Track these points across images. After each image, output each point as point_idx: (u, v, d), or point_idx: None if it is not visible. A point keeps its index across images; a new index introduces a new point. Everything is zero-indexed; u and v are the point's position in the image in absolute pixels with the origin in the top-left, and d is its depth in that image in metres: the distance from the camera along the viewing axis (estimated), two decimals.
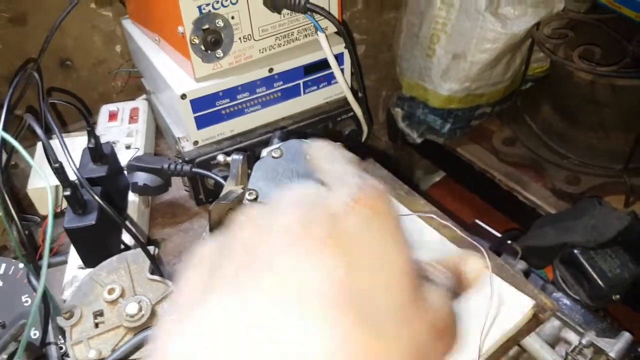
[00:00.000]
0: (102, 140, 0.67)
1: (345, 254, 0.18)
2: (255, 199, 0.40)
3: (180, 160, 0.61)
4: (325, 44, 0.60)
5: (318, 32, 0.59)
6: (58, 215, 0.62)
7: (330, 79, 0.66)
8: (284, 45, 0.62)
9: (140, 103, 0.76)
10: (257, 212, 0.21)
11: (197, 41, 0.56)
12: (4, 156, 0.62)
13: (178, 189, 0.68)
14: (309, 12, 0.56)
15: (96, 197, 0.46)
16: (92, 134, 0.52)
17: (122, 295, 0.40)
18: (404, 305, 0.18)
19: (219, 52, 0.58)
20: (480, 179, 1.05)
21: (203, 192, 0.65)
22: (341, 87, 0.65)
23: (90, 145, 0.52)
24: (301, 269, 0.17)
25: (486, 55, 0.93)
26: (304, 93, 0.65)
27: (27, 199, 0.64)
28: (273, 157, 0.42)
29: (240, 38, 0.58)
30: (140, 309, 0.38)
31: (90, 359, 0.36)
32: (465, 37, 0.93)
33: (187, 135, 0.63)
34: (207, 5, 0.54)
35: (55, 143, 0.49)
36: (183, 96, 0.58)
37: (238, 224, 0.20)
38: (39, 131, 0.42)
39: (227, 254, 0.19)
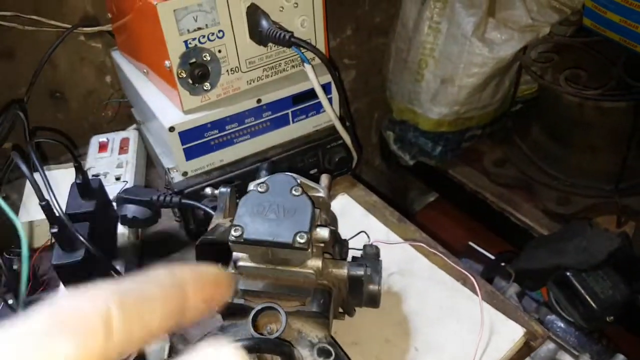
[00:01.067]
0: (92, 172, 0.68)
1: None
2: (241, 235, 0.40)
3: (170, 192, 0.61)
4: (312, 75, 0.61)
5: (304, 64, 0.60)
6: (49, 248, 0.62)
7: (319, 108, 0.67)
8: (271, 76, 0.63)
9: (130, 133, 0.76)
10: None
11: (184, 75, 0.56)
12: None
13: (169, 219, 0.68)
14: (294, 46, 0.57)
15: (81, 237, 0.46)
16: (79, 170, 0.52)
17: None
18: None
19: (207, 85, 0.58)
20: (472, 200, 1.05)
21: (194, 222, 0.65)
22: (329, 115, 0.66)
23: (78, 181, 0.52)
24: None
25: (474, 80, 0.94)
26: (293, 122, 0.66)
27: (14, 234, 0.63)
28: (259, 191, 0.43)
29: (227, 70, 0.59)
30: None
31: None
32: (453, 62, 0.94)
33: (176, 166, 0.63)
34: (194, 39, 0.55)
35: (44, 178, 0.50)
36: (171, 129, 0.58)
37: None
38: (25, 170, 0.42)
39: None
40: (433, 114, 0.99)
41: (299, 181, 0.43)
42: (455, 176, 1.08)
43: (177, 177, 0.63)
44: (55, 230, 0.47)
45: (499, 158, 1.07)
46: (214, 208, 0.60)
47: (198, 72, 0.57)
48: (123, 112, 0.84)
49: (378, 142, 1.25)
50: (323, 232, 0.41)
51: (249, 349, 0.36)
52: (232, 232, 0.40)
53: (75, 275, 0.48)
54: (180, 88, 0.57)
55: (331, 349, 0.41)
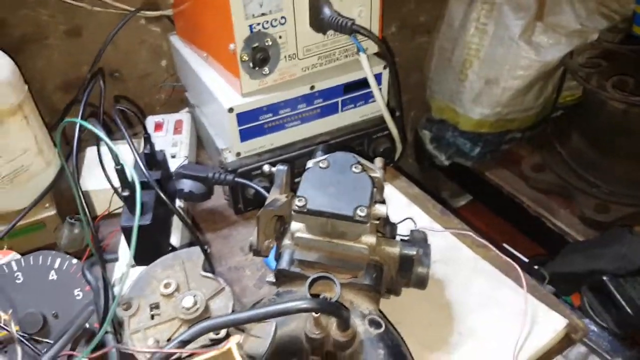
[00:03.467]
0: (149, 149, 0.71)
1: None
2: (304, 205, 0.43)
3: (224, 170, 0.64)
4: (366, 64, 0.63)
5: (360, 53, 0.62)
6: (106, 217, 0.65)
7: (367, 98, 0.68)
8: (325, 64, 0.65)
9: (183, 116, 0.79)
10: None
11: (246, 58, 0.59)
12: (60, 162, 0.66)
13: (218, 198, 0.70)
14: (354, 33, 0.59)
15: (168, 201, 0.49)
16: (148, 140, 0.55)
17: (177, 289, 0.42)
18: None
19: (266, 70, 0.61)
20: (507, 204, 1.05)
21: (242, 201, 0.67)
22: (378, 105, 0.67)
23: (146, 151, 0.55)
24: None
25: (519, 82, 0.94)
26: (342, 110, 0.68)
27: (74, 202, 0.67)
28: (320, 167, 0.45)
29: (285, 57, 0.61)
30: (195, 303, 0.40)
31: (149, 346, 0.38)
32: (498, 63, 0.95)
33: (230, 146, 0.65)
34: (258, 24, 0.58)
35: (104, 149, 0.53)
36: (230, 110, 0.61)
37: None
38: (103, 136, 0.45)
39: None
40: (474, 114, 1.00)
41: (358, 160, 0.45)
42: (492, 179, 1.08)
43: (230, 158, 0.66)
44: (126, 193, 0.50)
45: (537, 163, 1.07)
46: (265, 188, 0.63)
47: (259, 56, 0.59)
48: (175, 96, 0.87)
49: (413, 141, 1.26)
50: (381, 209, 0.42)
51: (310, 310, 0.38)
52: (296, 202, 0.42)
53: (141, 237, 0.51)
54: (242, 71, 0.59)
55: (381, 321, 0.43)
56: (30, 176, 0.62)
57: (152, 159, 0.57)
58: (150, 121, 0.77)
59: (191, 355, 0.35)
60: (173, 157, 0.70)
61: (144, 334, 0.40)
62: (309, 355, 0.45)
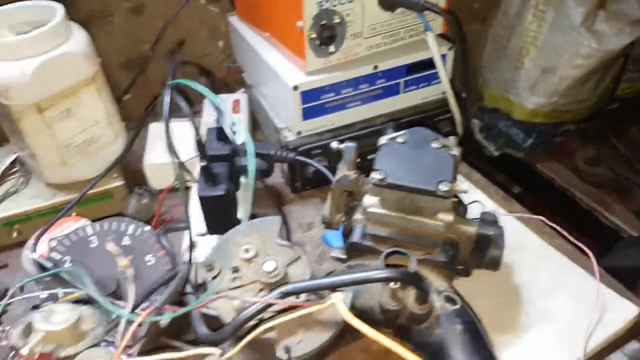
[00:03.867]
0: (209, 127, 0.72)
1: None
2: (384, 179, 0.42)
3: (285, 148, 0.64)
4: (434, 43, 0.62)
5: (427, 32, 0.61)
6: (171, 191, 0.66)
7: (430, 79, 0.68)
8: (389, 44, 0.65)
9: (240, 96, 0.80)
10: None
11: (314, 36, 0.59)
12: (127, 136, 0.67)
13: (275, 176, 0.71)
14: (424, 10, 0.59)
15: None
16: (220, 114, 0.56)
17: (256, 255, 0.43)
18: None
19: (332, 48, 0.61)
20: (559, 197, 1.03)
21: (300, 180, 0.67)
22: (441, 87, 0.67)
23: (218, 125, 0.56)
24: None
25: (577, 72, 0.92)
26: (404, 91, 0.67)
27: (139, 174, 0.69)
28: (398, 142, 0.44)
29: (351, 35, 0.61)
30: (276, 267, 0.41)
31: (234, 306, 0.39)
32: (556, 51, 0.93)
33: (291, 125, 0.66)
34: (327, 2, 0.57)
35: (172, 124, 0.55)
36: (295, 88, 0.61)
37: None
38: (184, 106, 0.46)
39: None
40: (529, 103, 0.98)
41: (437, 136, 0.45)
42: (544, 171, 1.06)
43: (289, 137, 0.66)
44: (204, 164, 0.51)
45: (591, 156, 1.05)
46: (325, 167, 0.63)
47: (327, 34, 0.59)
48: (230, 77, 0.88)
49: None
50: (462, 185, 0.42)
51: (394, 279, 0.37)
52: (375, 176, 0.42)
53: (214, 207, 0.52)
54: (308, 49, 0.60)
55: (457, 298, 0.43)
56: (99, 147, 0.64)
57: (222, 134, 0.57)
58: (208, 100, 0.78)
59: (284, 311, 0.36)
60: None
61: (226, 295, 0.41)
62: (381, 326, 0.45)
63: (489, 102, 1.05)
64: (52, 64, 0.55)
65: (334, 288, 0.37)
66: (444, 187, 0.41)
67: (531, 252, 0.57)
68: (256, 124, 0.81)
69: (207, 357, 0.34)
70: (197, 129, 0.53)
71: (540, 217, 0.58)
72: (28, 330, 0.36)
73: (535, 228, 0.60)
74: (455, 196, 0.44)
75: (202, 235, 0.58)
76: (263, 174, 0.64)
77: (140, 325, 0.36)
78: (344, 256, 0.49)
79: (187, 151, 0.67)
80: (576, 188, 1.02)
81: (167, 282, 0.42)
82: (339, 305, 0.32)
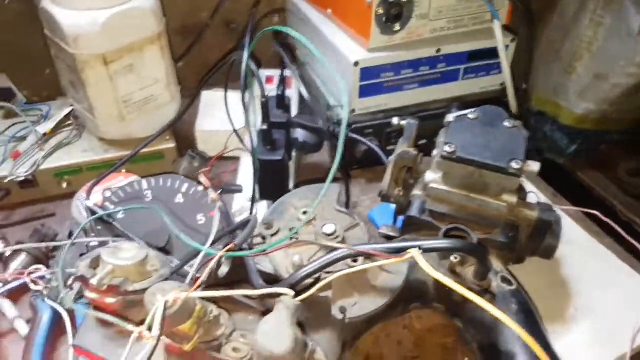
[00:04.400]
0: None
1: None
2: (454, 152, 0.42)
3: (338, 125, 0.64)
4: (499, 32, 0.61)
5: (494, 20, 0.61)
6: (220, 159, 0.67)
7: (490, 69, 0.67)
8: (452, 29, 0.64)
9: (291, 73, 0.80)
10: None
11: (381, 12, 0.59)
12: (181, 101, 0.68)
13: (321, 153, 0.71)
14: (490, 1, 0.58)
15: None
16: (282, 81, 0.56)
17: (314, 219, 0.43)
18: None
19: (397, 26, 0.60)
20: (597, 206, 1.01)
21: (348, 158, 0.67)
22: (499, 78, 0.66)
23: (279, 93, 0.56)
24: None
25: (631, 80, 0.90)
26: (462, 78, 0.67)
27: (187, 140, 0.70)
28: (470, 118, 0.44)
29: (417, 15, 0.61)
30: (335, 231, 0.41)
31: (294, 262, 0.39)
32: (611, 58, 0.91)
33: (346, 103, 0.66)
34: None
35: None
36: (356, 63, 0.61)
37: None
38: (255, 69, 0.46)
39: None
40: (578, 109, 0.96)
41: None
42: (584, 179, 1.04)
43: (342, 114, 0.66)
44: (264, 127, 0.51)
45: (634, 167, 1.03)
46: (377, 146, 0.63)
47: (394, 11, 0.59)
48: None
49: None
50: (534, 166, 0.42)
51: (459, 250, 0.37)
52: (446, 148, 0.42)
53: (270, 172, 0.52)
54: (373, 25, 0.60)
55: (512, 279, 0.42)
56: (157, 107, 0.64)
57: (282, 102, 0.58)
58: (262, 74, 0.78)
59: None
60: None
61: (285, 252, 0.41)
62: (433, 301, 0.44)
63: (536, 104, 1.04)
64: (122, 16, 0.56)
65: (398, 252, 0.37)
66: (515, 165, 0.40)
67: (580, 247, 0.56)
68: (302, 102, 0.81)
69: (281, 296, 0.34)
70: (264, 93, 0.54)
71: (595, 212, 0.58)
72: (95, 264, 0.37)
73: (584, 226, 0.59)
74: (531, 174, 0.43)
75: (252, 201, 0.58)
76: (313, 148, 0.65)
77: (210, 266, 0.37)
78: (393, 233, 0.49)
79: (239, 121, 0.68)
80: (615, 198, 1.00)
81: (242, 227, 0.42)
82: (417, 257, 0.32)
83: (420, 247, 0.36)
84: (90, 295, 0.36)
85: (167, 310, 0.31)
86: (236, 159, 0.70)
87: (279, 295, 0.37)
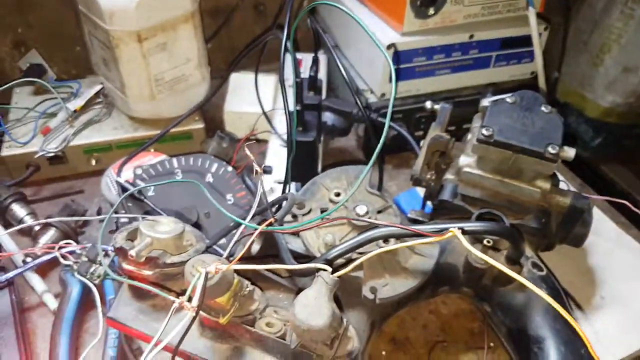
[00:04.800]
0: (289, 82, 0.72)
1: None
2: (492, 135, 0.42)
3: (367, 108, 0.64)
4: (534, 20, 0.61)
5: (529, 8, 0.60)
6: (247, 141, 0.67)
7: (521, 57, 0.67)
8: (486, 15, 0.64)
9: (320, 56, 0.80)
10: None
11: None
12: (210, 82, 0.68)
13: (347, 139, 0.71)
14: None
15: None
16: (315, 62, 0.56)
17: (346, 200, 0.43)
18: None
19: (431, 10, 0.60)
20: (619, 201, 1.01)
21: (376, 143, 0.67)
22: (529, 67, 0.66)
23: (312, 74, 0.56)
24: None
25: None
26: (494, 66, 0.67)
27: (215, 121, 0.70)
28: (508, 102, 0.44)
29: (451, 0, 0.60)
30: (368, 211, 0.41)
31: (326, 241, 0.40)
32: None
33: (376, 87, 0.65)
34: None
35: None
36: (389, 46, 0.61)
37: None
38: (289, 50, 0.46)
39: None
40: (605, 101, 0.95)
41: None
42: (607, 173, 1.03)
43: (371, 99, 0.66)
44: (298, 108, 0.51)
45: None
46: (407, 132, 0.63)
47: None
48: (309, 37, 0.88)
49: None
50: (570, 151, 0.41)
51: (495, 232, 0.37)
52: (483, 132, 0.42)
53: (301, 153, 0.52)
54: (408, 8, 0.59)
55: (542, 265, 0.42)
56: (187, 87, 0.65)
57: (314, 84, 0.58)
58: (288, 57, 0.78)
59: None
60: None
61: (316, 233, 0.41)
62: (462, 286, 0.45)
63: (561, 96, 1.02)
64: None
65: (432, 234, 0.37)
66: (552, 150, 0.40)
67: (607, 237, 0.56)
68: (329, 86, 0.81)
69: (320, 272, 0.34)
70: (299, 74, 0.54)
71: (625, 202, 0.57)
72: (132, 236, 0.38)
73: (611, 216, 0.59)
74: (566, 160, 0.43)
75: (281, 183, 0.59)
76: (341, 132, 0.65)
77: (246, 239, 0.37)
78: (422, 218, 0.49)
79: (268, 103, 0.68)
80: (639, 193, 0.99)
81: (279, 203, 0.43)
82: (458, 235, 0.32)
83: (461, 229, 0.36)
84: (127, 267, 0.36)
85: (207, 281, 0.31)
86: (263, 142, 0.70)
87: (312, 272, 0.37)
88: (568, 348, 0.37)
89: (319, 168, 0.61)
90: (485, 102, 0.47)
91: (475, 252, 0.33)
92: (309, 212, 0.43)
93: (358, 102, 0.58)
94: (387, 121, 0.40)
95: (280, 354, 0.36)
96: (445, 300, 0.53)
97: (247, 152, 0.44)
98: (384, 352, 0.48)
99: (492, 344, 0.48)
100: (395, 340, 0.49)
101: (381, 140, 0.39)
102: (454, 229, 0.32)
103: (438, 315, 0.51)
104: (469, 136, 0.47)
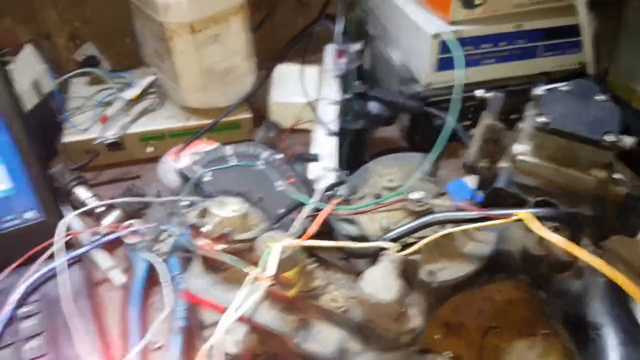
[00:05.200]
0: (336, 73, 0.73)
1: None
2: (548, 123, 0.42)
3: (413, 97, 0.64)
4: (583, 9, 0.60)
5: None
6: (293, 130, 0.69)
7: (566, 48, 0.66)
8: (533, 5, 0.63)
9: (360, 47, 0.80)
10: None
11: None
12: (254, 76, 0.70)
13: (391, 130, 0.72)
14: None
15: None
16: (362, 51, 0.57)
17: (399, 186, 0.44)
18: None
19: (478, 0, 0.60)
20: None
21: (421, 133, 0.68)
22: (575, 58, 0.66)
23: (361, 63, 0.57)
24: None
25: None
26: (540, 56, 0.66)
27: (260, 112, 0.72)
28: (563, 90, 0.44)
29: None
30: (423, 197, 0.42)
31: (382, 225, 0.41)
32: None
33: (422, 76, 0.66)
34: None
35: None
36: (435, 36, 0.61)
37: None
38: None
39: None
40: None
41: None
42: None
43: (417, 88, 0.67)
44: (349, 97, 0.52)
45: None
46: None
47: None
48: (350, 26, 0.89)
49: None
50: (628, 140, 0.41)
51: (555, 219, 0.38)
52: (539, 119, 0.42)
53: (354, 140, 0.54)
54: None
55: (600, 253, 0.42)
56: (236, 78, 0.67)
57: (361, 72, 0.59)
58: (331, 48, 0.79)
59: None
60: None
61: (370, 217, 0.43)
62: (519, 273, 0.45)
63: (609, 87, 1.01)
64: None
65: (492, 220, 0.38)
66: (609, 138, 0.40)
67: None
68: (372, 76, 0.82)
69: (384, 250, 0.36)
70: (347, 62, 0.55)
71: None
72: (202, 215, 0.40)
73: None
74: (622, 149, 0.43)
75: (329, 170, 0.60)
76: (386, 122, 0.65)
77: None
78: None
79: (312, 93, 0.69)
80: None
81: (334, 187, 0.44)
82: (530, 220, 0.33)
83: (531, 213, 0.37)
84: (200, 242, 0.38)
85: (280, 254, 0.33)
86: (306, 132, 0.71)
87: (373, 253, 0.39)
88: (628, 335, 0.38)
89: (367, 156, 0.62)
90: (539, 90, 0.47)
91: (551, 236, 0.33)
92: (363, 197, 0.45)
93: (408, 91, 0.58)
94: (451, 107, 0.41)
95: (346, 326, 0.38)
96: (499, 288, 0.53)
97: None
98: (436, 337, 0.49)
99: (545, 331, 0.49)
100: (448, 325, 0.50)
101: (445, 129, 0.40)
102: (524, 214, 0.33)
103: (492, 302, 0.52)
104: (522, 124, 0.48)
